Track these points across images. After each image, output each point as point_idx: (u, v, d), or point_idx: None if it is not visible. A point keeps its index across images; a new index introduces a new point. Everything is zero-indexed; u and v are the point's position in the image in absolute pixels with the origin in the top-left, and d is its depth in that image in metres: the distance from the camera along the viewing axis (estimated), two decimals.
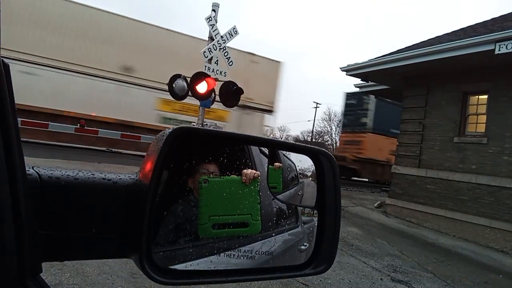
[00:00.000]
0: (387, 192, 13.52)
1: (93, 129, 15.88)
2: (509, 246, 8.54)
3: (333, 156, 0.86)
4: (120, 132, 16.36)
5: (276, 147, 1.02)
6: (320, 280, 4.64)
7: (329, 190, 0.84)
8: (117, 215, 0.66)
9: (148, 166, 0.66)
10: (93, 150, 15.83)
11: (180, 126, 0.70)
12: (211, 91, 7.99)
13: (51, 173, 0.64)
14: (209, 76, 7.99)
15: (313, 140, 53.15)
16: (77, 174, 0.66)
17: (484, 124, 9.77)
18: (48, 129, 14.68)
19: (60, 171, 0.65)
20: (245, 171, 0.82)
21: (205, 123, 8.98)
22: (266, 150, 1.03)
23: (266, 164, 0.99)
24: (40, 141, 14.58)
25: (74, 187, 0.64)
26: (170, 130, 0.68)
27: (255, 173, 0.81)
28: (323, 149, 0.88)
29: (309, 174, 1.00)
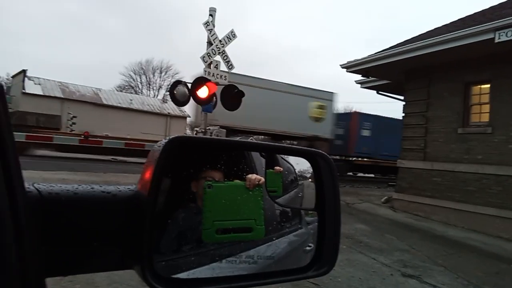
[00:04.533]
0: (393, 187, 13.47)
1: (97, 139, 15.97)
2: None
3: (330, 157, 0.86)
4: (124, 142, 16.44)
5: (273, 152, 1.02)
6: (330, 279, 4.63)
7: (328, 191, 0.85)
8: (118, 227, 0.66)
9: (146, 176, 0.67)
10: (99, 160, 15.91)
11: (176, 135, 0.71)
12: (212, 96, 8.05)
13: (51, 189, 0.64)
14: (209, 81, 8.04)
15: None
16: (77, 188, 0.67)
17: (488, 114, 9.71)
18: (53, 142, 14.77)
19: (60, 186, 0.66)
20: (249, 176, 0.82)
21: (208, 128, 9.00)
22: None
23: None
24: (46, 154, 14.69)
25: (74, 202, 0.65)
26: (166, 140, 0.69)
27: (260, 179, 0.81)
28: (320, 151, 0.88)
29: (308, 175, 1.00)
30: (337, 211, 0.83)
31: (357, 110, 23.19)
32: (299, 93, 20.32)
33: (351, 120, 22.45)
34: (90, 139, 15.81)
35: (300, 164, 0.97)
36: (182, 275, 0.74)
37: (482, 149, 9.62)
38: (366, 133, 21.93)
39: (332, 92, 22.02)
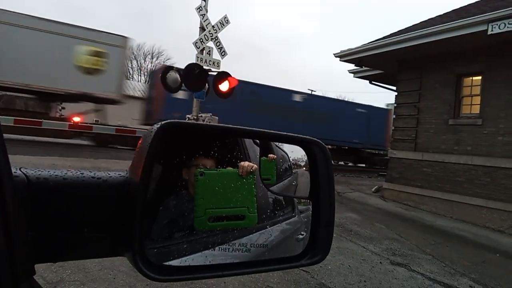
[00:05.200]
0: (384, 176, 13.60)
1: (87, 124, 15.81)
2: (505, 225, 8.64)
3: (325, 145, 0.85)
4: (114, 127, 16.30)
5: (267, 139, 1.01)
6: (321, 267, 4.68)
7: (323, 180, 0.84)
8: (108, 214, 0.65)
9: (138, 162, 0.66)
10: (89, 146, 15.77)
11: (169, 121, 0.69)
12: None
13: (39, 174, 0.63)
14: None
15: None
16: (66, 174, 0.65)
17: (479, 106, 9.80)
18: (42, 127, 14.56)
19: (48, 171, 0.64)
20: (242, 163, 0.81)
21: (200, 115, 8.95)
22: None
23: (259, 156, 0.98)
24: (35, 139, 14.51)
25: (63, 187, 0.63)
26: (159, 126, 0.67)
27: (252, 166, 0.80)
28: (315, 139, 0.87)
29: (302, 164, 1.00)
30: (331, 200, 0.82)
31: (167, 64, 17.07)
32: (59, 32, 14.43)
33: (157, 76, 15.31)
34: (80, 124, 15.62)
35: (295, 152, 0.96)
36: (174, 262, 0.74)
37: (472, 140, 9.74)
38: (179, 94, 16.62)
39: (121, 36, 16.00)
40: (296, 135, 0.90)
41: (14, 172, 0.59)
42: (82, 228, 0.63)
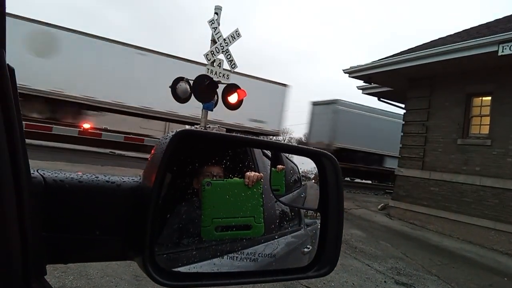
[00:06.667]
0: (390, 194, 13.47)
1: (96, 132, 15.95)
2: None
3: (335, 158, 0.86)
4: (123, 135, 16.43)
5: (278, 150, 1.02)
6: (324, 283, 4.62)
7: (332, 193, 0.84)
8: (121, 218, 0.66)
9: (152, 169, 0.67)
10: (97, 153, 15.88)
11: (183, 129, 0.70)
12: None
13: (56, 176, 0.64)
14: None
15: None
16: (81, 177, 0.66)
17: (488, 126, 9.72)
18: (52, 132, 14.74)
19: (65, 174, 0.66)
20: (248, 173, 0.82)
21: (208, 126, 8.99)
22: (269, 153, 1.03)
23: (269, 167, 0.99)
24: (44, 144, 14.65)
25: (78, 190, 0.64)
26: (173, 133, 0.68)
27: (258, 176, 0.81)
28: (325, 151, 0.88)
29: (311, 176, 1.00)
30: (340, 212, 0.82)
31: None
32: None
33: None
34: (89, 131, 15.78)
35: (306, 164, 0.97)
36: (183, 269, 0.74)
37: (480, 161, 9.64)
38: None
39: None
40: (306, 147, 0.91)
41: (32, 173, 0.61)
42: (94, 231, 0.64)
